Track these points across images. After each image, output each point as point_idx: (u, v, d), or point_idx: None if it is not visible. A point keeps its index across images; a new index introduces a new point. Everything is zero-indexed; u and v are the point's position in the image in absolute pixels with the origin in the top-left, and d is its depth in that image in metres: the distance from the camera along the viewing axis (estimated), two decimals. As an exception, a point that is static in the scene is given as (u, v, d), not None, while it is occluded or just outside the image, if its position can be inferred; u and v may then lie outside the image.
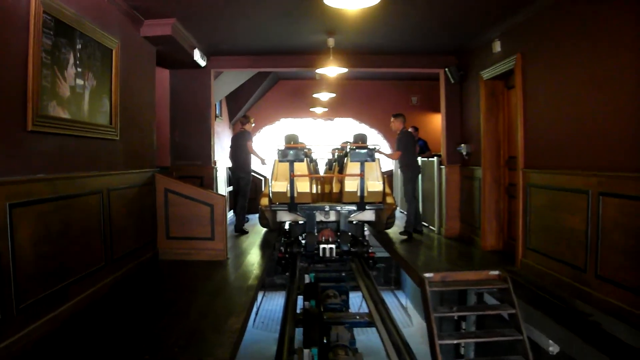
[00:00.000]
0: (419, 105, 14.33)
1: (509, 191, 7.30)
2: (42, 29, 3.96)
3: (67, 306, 4.28)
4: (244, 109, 13.22)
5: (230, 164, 9.18)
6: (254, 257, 7.00)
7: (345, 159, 8.32)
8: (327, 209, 8.33)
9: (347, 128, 14.78)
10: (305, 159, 8.09)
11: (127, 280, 5.54)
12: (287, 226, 9.20)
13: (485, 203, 7.48)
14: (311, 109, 13.66)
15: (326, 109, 13.60)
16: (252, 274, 6.05)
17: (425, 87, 14.17)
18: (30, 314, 3.75)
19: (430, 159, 9.42)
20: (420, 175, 9.45)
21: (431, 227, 9.26)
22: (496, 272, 5.97)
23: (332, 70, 7.82)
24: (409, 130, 9.94)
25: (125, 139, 5.66)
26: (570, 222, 5.12)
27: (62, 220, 4.27)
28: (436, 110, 14.29)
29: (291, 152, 8.05)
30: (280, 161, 8.07)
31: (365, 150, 8.08)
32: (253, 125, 9.41)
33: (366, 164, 8.05)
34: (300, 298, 7.35)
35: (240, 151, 8.78)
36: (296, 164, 8.02)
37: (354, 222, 8.67)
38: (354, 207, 8.24)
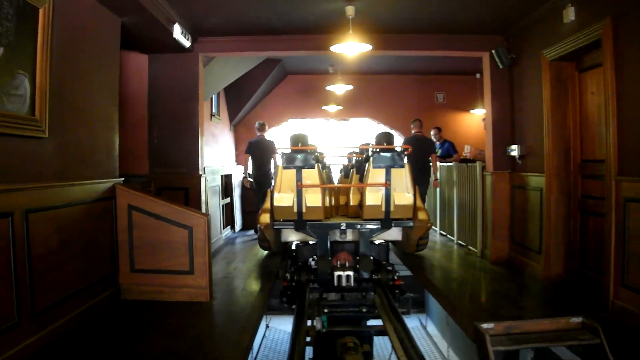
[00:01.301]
0: (444, 103, 12.59)
1: (583, 205, 5.57)
2: None
3: None
4: (246, 108, 11.57)
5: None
6: (249, 295, 5.34)
7: (366, 164, 6.63)
8: (343, 226, 6.65)
9: (364, 129, 13.06)
10: (316, 164, 6.42)
11: (65, 338, 3.88)
12: (293, 246, 7.51)
13: (549, 220, 5.76)
14: (324, 107, 11.96)
15: (340, 107, 11.90)
16: (247, 321, 4.40)
17: (452, 83, 12.46)
18: None
19: (469, 163, 7.69)
20: (434, 186, 8.78)
21: (471, 247, 7.52)
22: (579, 320, 4.30)
23: (351, 47, 6.12)
24: (416, 133, 8.73)
25: (60, 138, 4.02)
26: None
27: None
28: (463, 108, 12.60)
29: (299, 156, 6.39)
30: (284, 168, 6.41)
31: (391, 154, 6.40)
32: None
33: (393, 170, 6.37)
34: (309, 349, 5.65)
35: (267, 161, 8.80)
36: (305, 172, 6.37)
37: (377, 243, 6.97)
38: (377, 225, 6.56)
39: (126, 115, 6.89)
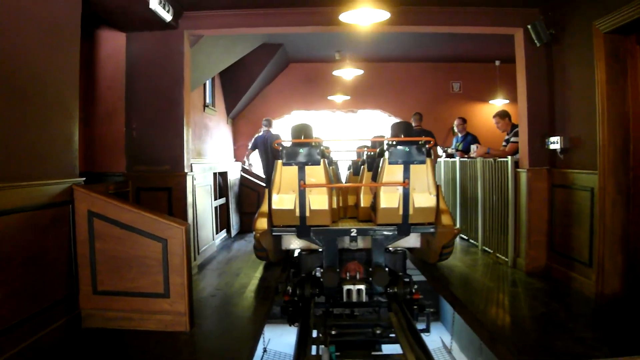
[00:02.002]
0: (461, 93, 11.62)
1: (648, 209, 4.58)
2: None
3: None
4: (244, 100, 10.59)
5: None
6: (241, 320, 4.39)
7: (380, 160, 5.66)
8: (354, 233, 5.69)
9: (373, 122, 12.07)
10: (322, 160, 5.46)
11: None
12: (296, 254, 6.54)
13: (603, 226, 4.76)
14: (330, 98, 10.97)
15: (348, 97, 10.89)
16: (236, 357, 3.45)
17: (469, 72, 11.49)
18: None
19: (498, 158, 6.69)
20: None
21: (500, 255, 6.53)
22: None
23: (365, 15, 5.12)
24: (416, 127, 8.31)
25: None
26: None
27: None
28: (481, 99, 11.58)
29: (301, 150, 5.43)
30: (284, 164, 5.45)
31: (410, 147, 5.43)
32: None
33: (412, 167, 5.43)
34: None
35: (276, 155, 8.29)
36: (309, 169, 5.43)
37: (392, 250, 6.01)
38: (393, 231, 5.61)
39: (100, 104, 5.97)
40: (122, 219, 3.92)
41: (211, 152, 8.74)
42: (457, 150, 8.94)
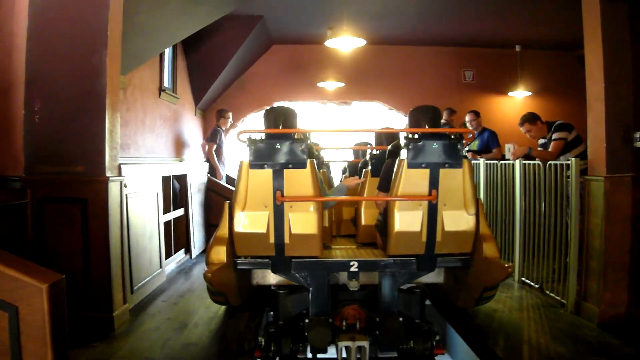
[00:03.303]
0: (474, 82, 9.88)
1: None
2: None
3: None
4: (216, 86, 8.74)
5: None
6: None
7: (395, 160, 3.91)
8: (354, 267, 3.94)
9: (370, 117, 10.26)
10: (308, 161, 3.69)
11: None
12: (271, 288, 4.71)
13: None
14: (320, 85, 9.14)
15: (342, 85, 9.07)
16: None
17: (484, 58, 9.77)
18: None
19: (550, 161, 4.91)
20: None
21: (551, 294, 4.77)
22: None
23: None
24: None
25: None
26: None
27: None
28: (499, 90, 9.81)
29: (279, 145, 3.65)
30: (253, 166, 3.67)
31: (440, 143, 3.69)
32: (230, 122, 8.25)
33: (443, 172, 3.72)
34: None
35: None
36: (290, 174, 3.68)
37: (406, 288, 4.24)
38: (411, 265, 3.86)
39: (-14, 76, 4.10)
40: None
41: (169, 150, 6.92)
42: (469, 150, 7.10)
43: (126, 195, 4.26)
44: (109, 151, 3.93)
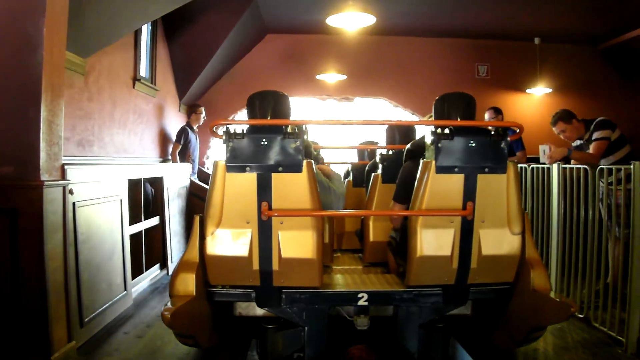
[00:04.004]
0: (488, 78, 8.98)
1: None
2: None
3: None
4: (203, 80, 7.83)
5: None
6: None
7: (419, 163, 3.02)
8: (363, 300, 3.04)
9: (374, 115, 9.34)
10: (305, 163, 2.79)
11: None
12: (257, 320, 3.81)
13: None
14: (319, 77, 8.23)
15: (344, 77, 8.15)
16: None
17: (499, 51, 8.91)
18: None
19: (603, 165, 4.03)
20: None
21: (599, 326, 3.89)
22: None
23: None
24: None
25: None
26: None
27: None
28: (515, 87, 8.90)
29: (265, 141, 2.75)
30: (229, 168, 2.78)
31: (479, 140, 2.82)
32: (204, 118, 7.53)
33: (482, 179, 2.83)
34: None
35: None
36: (280, 179, 2.79)
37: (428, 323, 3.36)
38: (436, 296, 2.97)
39: None
40: None
41: (145, 149, 6.02)
42: None
43: (73, 203, 3.37)
44: (47, 148, 3.03)
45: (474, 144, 2.79)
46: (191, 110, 7.34)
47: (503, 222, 2.90)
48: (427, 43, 8.81)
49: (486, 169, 2.81)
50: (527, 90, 8.74)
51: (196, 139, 7.34)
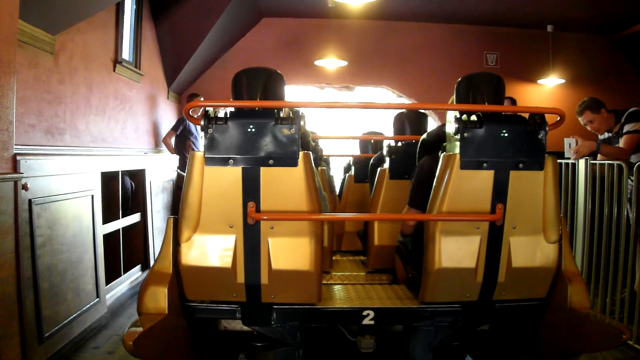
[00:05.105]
0: (497, 67, 8.52)
1: None
2: None
3: None
4: (192, 66, 7.32)
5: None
6: None
7: (438, 158, 2.52)
8: (369, 318, 2.54)
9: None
10: (301, 154, 2.28)
11: None
12: (244, 336, 3.32)
13: None
14: (317, 63, 7.71)
15: (344, 63, 7.64)
16: None
17: (510, 39, 8.47)
18: None
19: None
20: None
21: (635, 345, 3.43)
22: None
23: None
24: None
25: None
26: None
27: None
28: (526, 77, 8.42)
29: (252, 128, 2.25)
30: (208, 161, 2.27)
31: (511, 128, 2.31)
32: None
33: (514, 176, 2.32)
34: None
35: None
36: (270, 173, 2.26)
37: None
38: (455, 314, 2.49)
39: None
40: None
41: (128, 139, 5.52)
42: None
43: (29, 200, 2.87)
44: (-6, 135, 2.54)
45: (506, 134, 2.30)
46: (190, 100, 6.85)
47: (538, 229, 2.41)
48: (433, 29, 8.34)
49: (520, 165, 2.32)
50: (539, 81, 8.29)
51: (196, 129, 6.86)
